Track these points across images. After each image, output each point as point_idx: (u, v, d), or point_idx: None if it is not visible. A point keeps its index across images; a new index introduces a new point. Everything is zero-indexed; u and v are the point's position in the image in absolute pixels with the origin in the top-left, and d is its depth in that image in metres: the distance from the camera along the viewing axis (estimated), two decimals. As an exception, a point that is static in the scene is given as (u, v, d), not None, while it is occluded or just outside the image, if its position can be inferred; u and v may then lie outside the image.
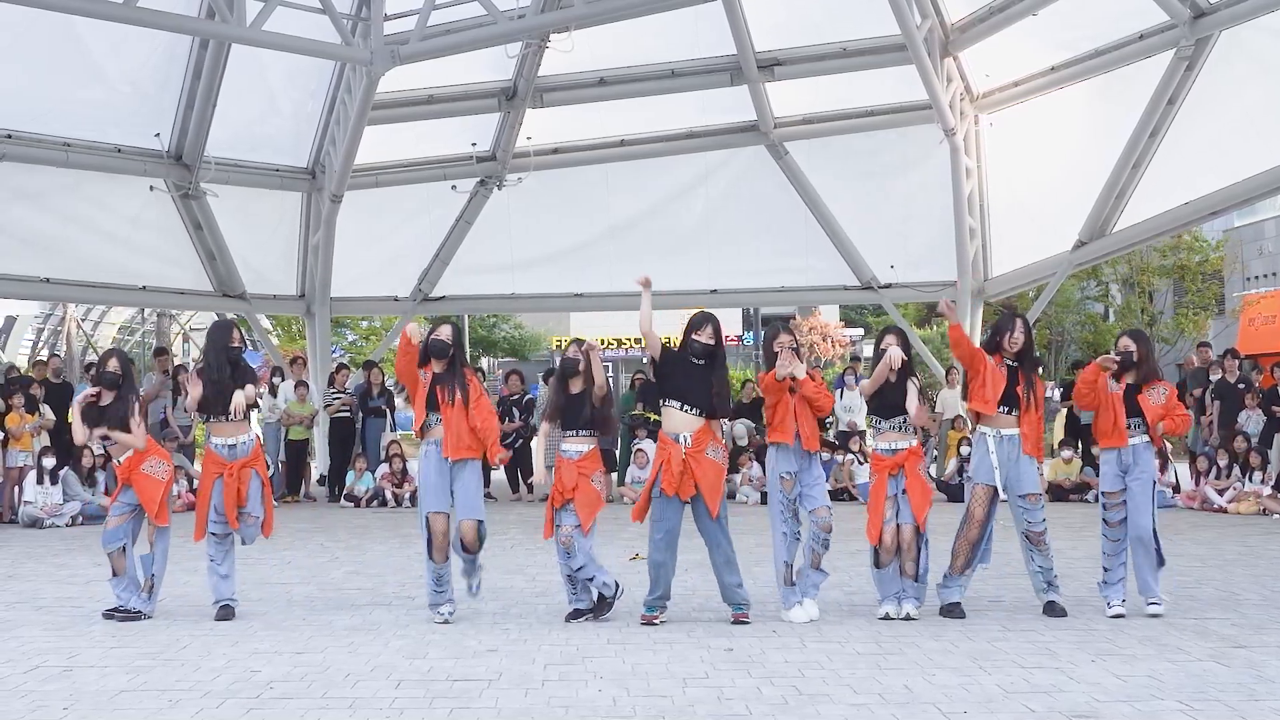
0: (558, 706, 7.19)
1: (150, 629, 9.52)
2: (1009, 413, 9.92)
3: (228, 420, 10.14)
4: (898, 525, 9.81)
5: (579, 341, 10.36)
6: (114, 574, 10.17)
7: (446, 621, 9.71)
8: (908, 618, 9.64)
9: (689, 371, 9.82)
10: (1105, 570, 10.05)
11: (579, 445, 9.92)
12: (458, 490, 9.83)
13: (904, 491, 9.85)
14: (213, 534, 10.09)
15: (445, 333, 10.08)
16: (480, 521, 9.81)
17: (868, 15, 20.54)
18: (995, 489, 9.87)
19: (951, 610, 9.79)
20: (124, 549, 10.13)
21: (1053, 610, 9.73)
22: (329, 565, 13.12)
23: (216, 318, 48.35)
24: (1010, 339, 10.02)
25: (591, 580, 9.75)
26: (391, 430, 21.76)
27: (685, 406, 9.73)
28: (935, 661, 8.19)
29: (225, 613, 9.97)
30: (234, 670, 8.13)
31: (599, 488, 10.04)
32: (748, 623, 9.52)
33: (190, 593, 11.17)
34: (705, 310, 10.15)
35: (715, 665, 8.15)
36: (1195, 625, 9.32)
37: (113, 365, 10.42)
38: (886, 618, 9.68)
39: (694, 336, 9.83)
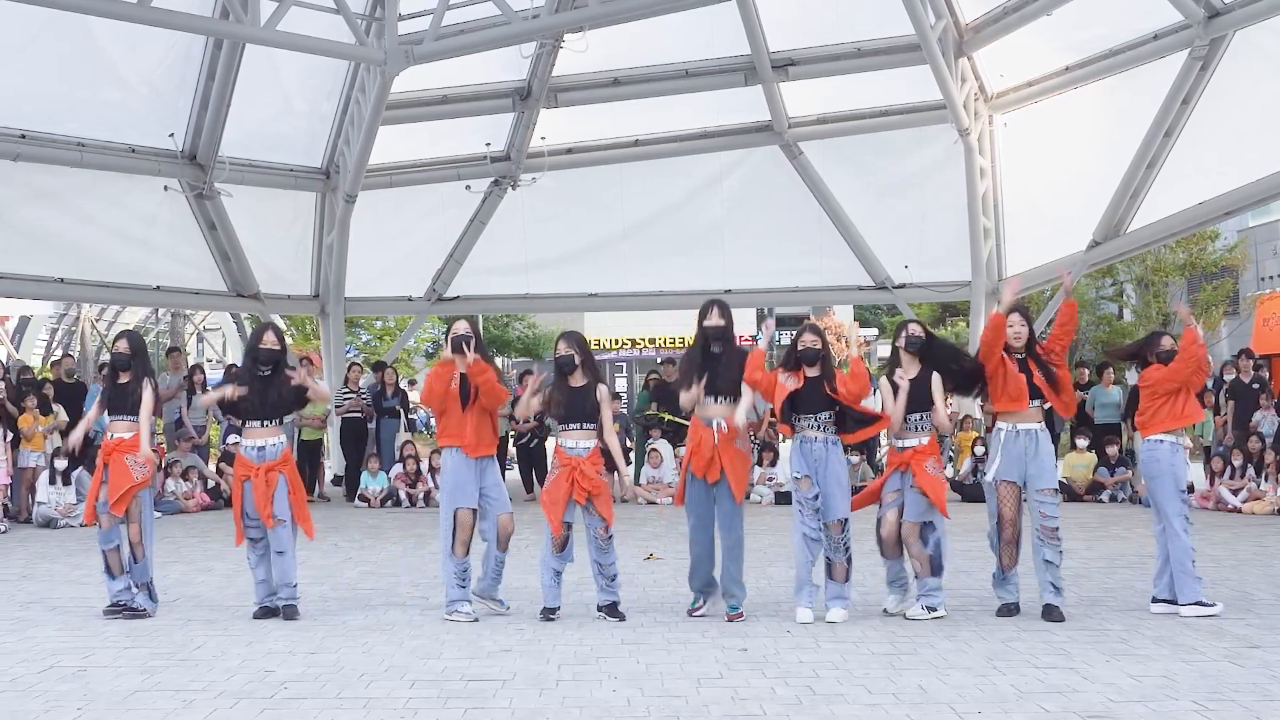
0: (572, 706, 7.19)
1: (165, 629, 9.52)
2: (1037, 405, 9.90)
3: (261, 425, 10.18)
4: (899, 522, 9.90)
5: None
6: (110, 573, 10.26)
7: (476, 620, 9.77)
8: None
9: (712, 360, 10.02)
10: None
11: (584, 440, 9.91)
12: (489, 487, 10.04)
13: (912, 487, 9.87)
14: (250, 539, 10.11)
15: (463, 327, 10.18)
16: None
17: (882, 15, 20.53)
18: (1019, 485, 9.80)
19: (1008, 610, 9.76)
20: (119, 548, 10.24)
21: (1050, 615, 9.58)
22: (343, 565, 13.13)
23: (231, 318, 48.59)
24: (1013, 333, 9.93)
25: (617, 577, 9.89)
26: (406, 430, 21.76)
27: (718, 397, 9.94)
28: (950, 661, 8.18)
29: (263, 612, 10.01)
30: (248, 670, 8.14)
31: (606, 480, 10.16)
32: (742, 620, 9.65)
33: (204, 593, 11.20)
34: (710, 298, 10.33)
35: (730, 665, 8.15)
36: (1210, 625, 9.29)
37: (122, 346, 10.55)
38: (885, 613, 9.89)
39: (704, 324, 10.07)
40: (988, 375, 10.06)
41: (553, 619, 9.69)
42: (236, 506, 10.19)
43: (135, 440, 10.27)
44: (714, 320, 10.03)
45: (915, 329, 10.22)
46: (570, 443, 9.89)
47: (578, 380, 10.01)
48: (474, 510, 9.94)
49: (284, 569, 10.08)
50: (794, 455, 9.88)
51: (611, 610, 9.78)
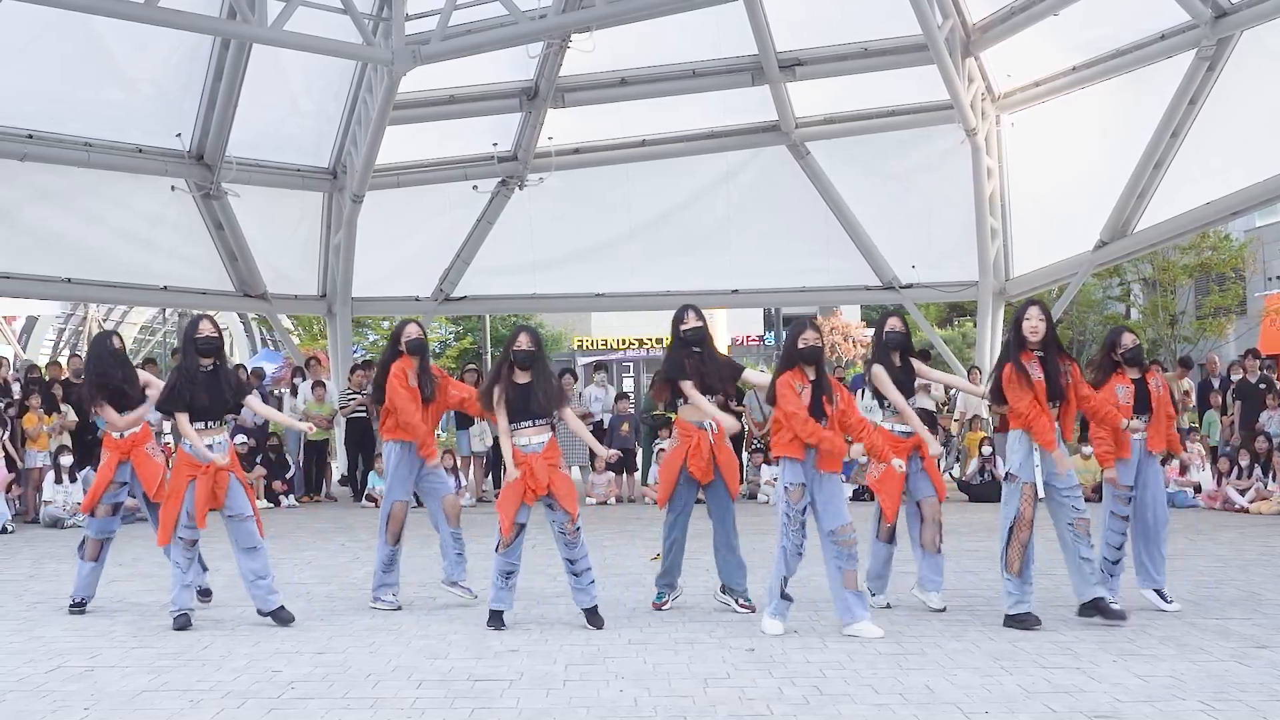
0: (579, 707, 7.19)
1: (171, 629, 9.51)
2: (1054, 408, 9.43)
3: (206, 425, 9.79)
4: (918, 501, 10.03)
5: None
6: (84, 558, 10.38)
7: (399, 608, 10.32)
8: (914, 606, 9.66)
9: (695, 360, 10.11)
10: (1110, 562, 10.07)
11: (538, 436, 9.57)
12: (431, 477, 10.83)
13: (922, 470, 10.01)
14: (180, 538, 9.63)
15: (416, 330, 10.81)
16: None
17: (889, 15, 20.54)
18: (1036, 487, 9.29)
19: (1024, 621, 9.21)
20: (106, 541, 10.45)
21: (1103, 608, 9.25)
22: (350, 565, 13.15)
23: (238, 318, 48.65)
24: (1029, 327, 9.38)
25: (589, 572, 9.52)
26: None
27: (709, 396, 10.04)
28: (956, 661, 8.17)
29: (182, 621, 9.54)
30: (255, 670, 8.15)
31: (568, 474, 10.07)
32: (752, 611, 9.82)
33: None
34: (684, 303, 10.45)
35: (737, 665, 8.14)
36: (1217, 625, 9.28)
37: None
38: (887, 607, 10.04)
39: (683, 328, 10.20)
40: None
41: (502, 627, 9.40)
42: (174, 504, 9.68)
43: (146, 431, 10.59)
44: (692, 323, 10.15)
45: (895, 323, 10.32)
46: (523, 440, 9.56)
47: (523, 378, 9.65)
48: (407, 503, 10.76)
49: (259, 566, 9.76)
50: (786, 464, 9.37)
51: (591, 615, 9.45)
